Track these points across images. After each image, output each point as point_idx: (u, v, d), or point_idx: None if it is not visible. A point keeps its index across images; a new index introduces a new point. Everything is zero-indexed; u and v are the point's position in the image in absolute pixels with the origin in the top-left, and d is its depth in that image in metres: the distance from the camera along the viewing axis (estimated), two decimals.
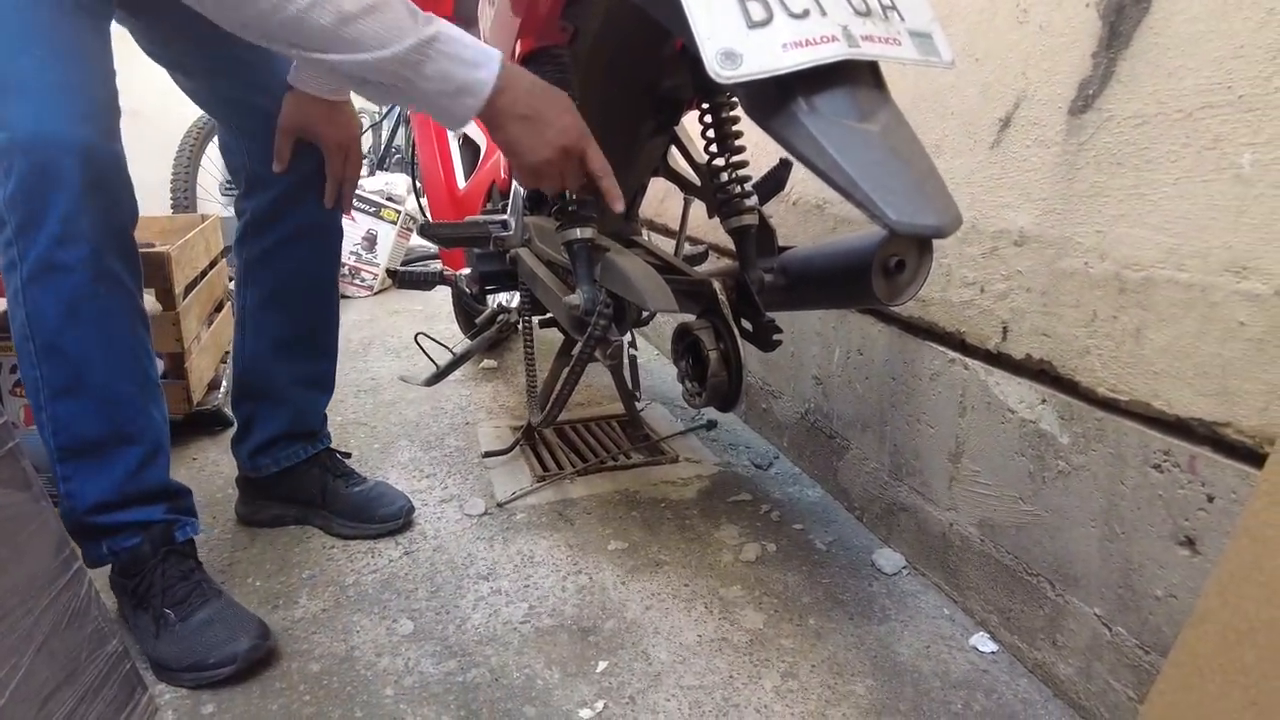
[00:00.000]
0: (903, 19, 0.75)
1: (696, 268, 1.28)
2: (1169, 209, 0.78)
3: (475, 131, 1.80)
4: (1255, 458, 0.72)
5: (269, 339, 1.28)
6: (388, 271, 1.57)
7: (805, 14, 0.71)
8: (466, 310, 1.99)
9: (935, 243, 1.07)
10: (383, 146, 4.63)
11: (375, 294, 3.09)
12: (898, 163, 0.67)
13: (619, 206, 0.97)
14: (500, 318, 1.60)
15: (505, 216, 1.25)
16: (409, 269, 1.53)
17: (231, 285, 1.85)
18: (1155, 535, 0.83)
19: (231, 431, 1.38)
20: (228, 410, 1.82)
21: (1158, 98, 0.78)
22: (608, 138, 1.00)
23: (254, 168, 1.21)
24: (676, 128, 1.26)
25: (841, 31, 0.70)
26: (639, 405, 1.79)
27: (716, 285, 1.16)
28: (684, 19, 0.70)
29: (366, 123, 4.82)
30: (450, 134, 1.91)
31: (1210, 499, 0.77)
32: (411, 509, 1.37)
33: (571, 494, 1.47)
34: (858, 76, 0.72)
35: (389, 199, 3.29)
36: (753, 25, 0.70)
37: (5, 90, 0.88)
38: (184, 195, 2.29)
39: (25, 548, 0.81)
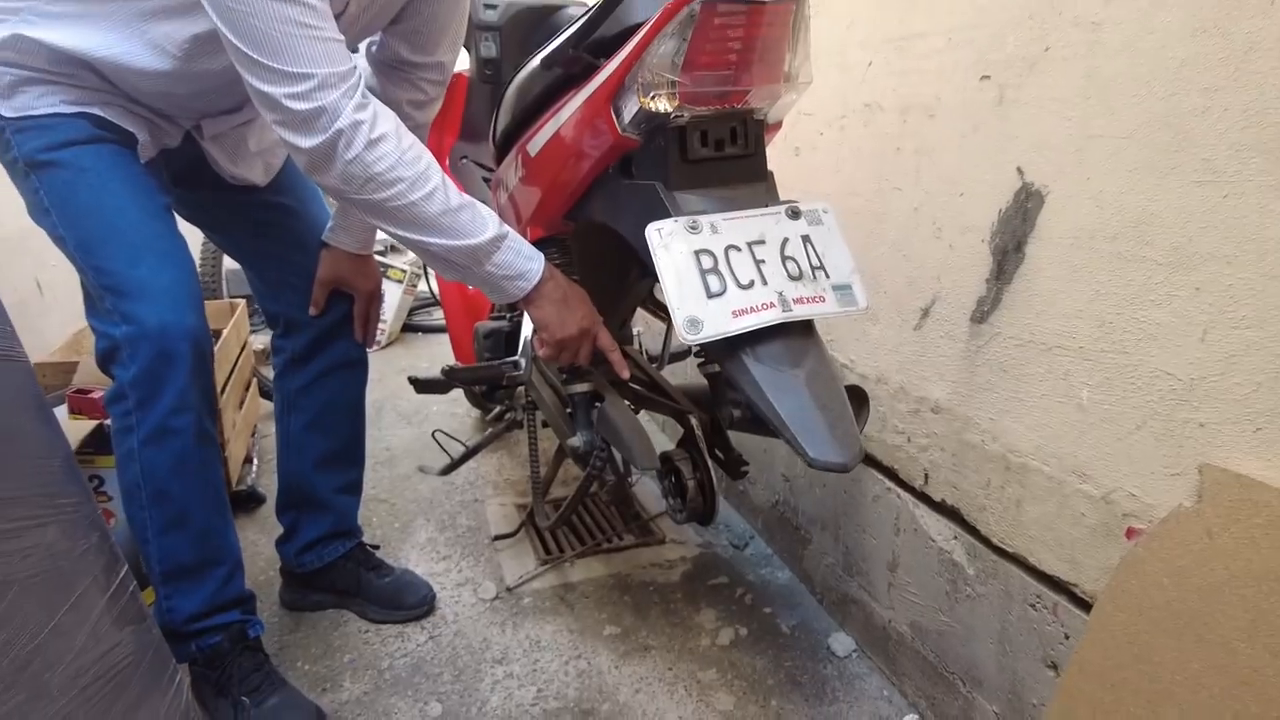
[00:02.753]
0: (828, 276, 0.98)
1: (674, 366, 1.50)
2: (1037, 416, 1.01)
3: None
4: None
5: (311, 458, 1.50)
6: (409, 379, 1.79)
7: (750, 284, 0.93)
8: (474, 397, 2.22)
9: (874, 393, 1.30)
10: None
11: (382, 349, 3.31)
12: (817, 407, 0.90)
13: (624, 374, 1.20)
14: (507, 416, 1.82)
15: (518, 358, 1.48)
16: (427, 377, 1.76)
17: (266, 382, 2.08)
18: (1032, 657, 1.06)
19: (262, 508, 1.59)
20: (260, 488, 2.05)
21: (1029, 329, 1.01)
22: (600, 283, 1.24)
23: (292, 314, 1.44)
24: None
25: (778, 298, 0.93)
26: (630, 481, 2.01)
27: (693, 421, 1.39)
28: (662, 284, 0.92)
29: None
30: None
31: (1066, 636, 1.00)
32: (433, 596, 1.59)
33: (571, 577, 1.70)
34: (790, 329, 0.94)
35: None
36: (711, 296, 0.92)
37: (131, 294, 1.10)
38: (211, 280, 2.50)
39: (148, 678, 1.03)
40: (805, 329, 0.97)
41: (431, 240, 1.06)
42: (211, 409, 1.20)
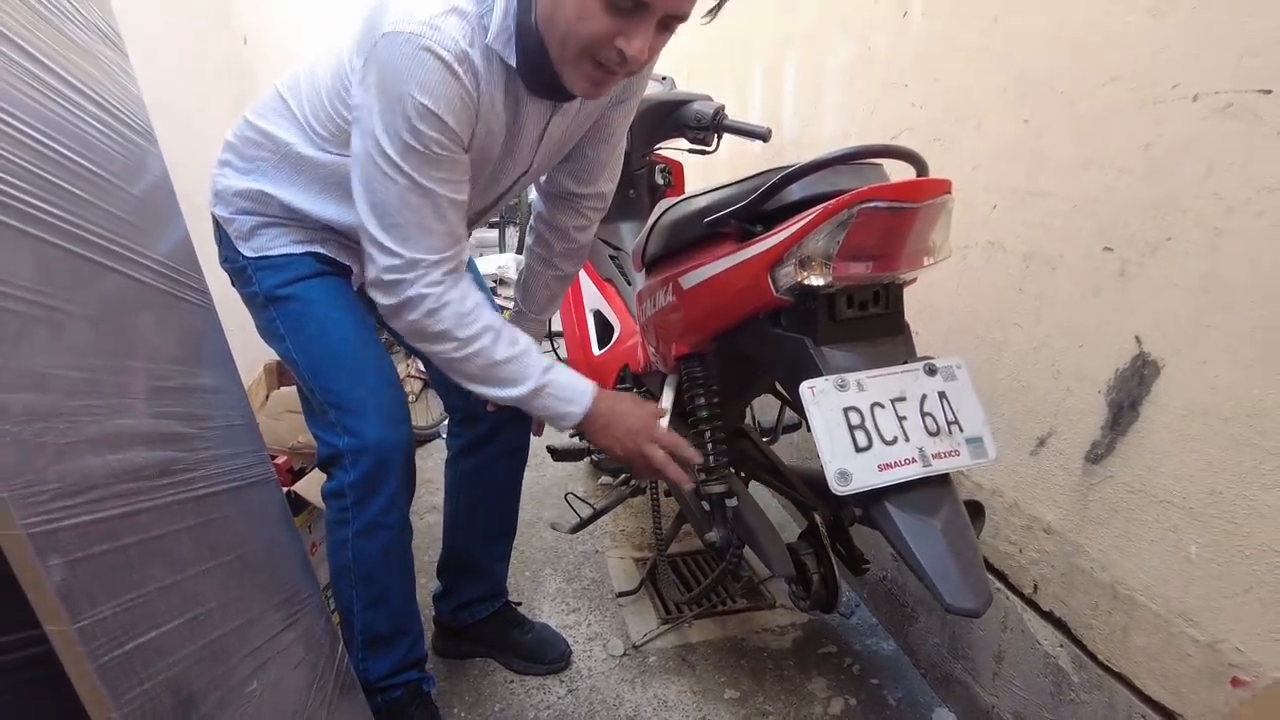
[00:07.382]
0: (962, 430, 1.11)
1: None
2: (1145, 559, 1.12)
3: (609, 312, 2.20)
4: None
5: (476, 533, 1.70)
6: (548, 449, 1.98)
7: (894, 440, 1.08)
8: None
9: (988, 504, 1.43)
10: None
11: None
12: (952, 555, 1.03)
13: (687, 487, 1.32)
14: (632, 482, 2.00)
15: None
16: (564, 448, 1.94)
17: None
18: None
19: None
20: None
21: (1141, 480, 1.12)
22: (730, 378, 1.44)
23: (471, 407, 1.63)
24: None
25: (919, 454, 1.07)
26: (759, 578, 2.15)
27: (818, 518, 1.54)
28: (814, 436, 1.07)
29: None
30: (586, 305, 2.32)
31: None
32: (570, 652, 1.78)
33: (691, 638, 1.86)
34: (929, 482, 1.08)
35: (500, 281, 3.70)
36: (859, 450, 1.07)
37: (353, 411, 1.30)
38: None
39: None
40: (942, 479, 1.10)
41: (478, 388, 1.26)
42: (411, 500, 1.40)
